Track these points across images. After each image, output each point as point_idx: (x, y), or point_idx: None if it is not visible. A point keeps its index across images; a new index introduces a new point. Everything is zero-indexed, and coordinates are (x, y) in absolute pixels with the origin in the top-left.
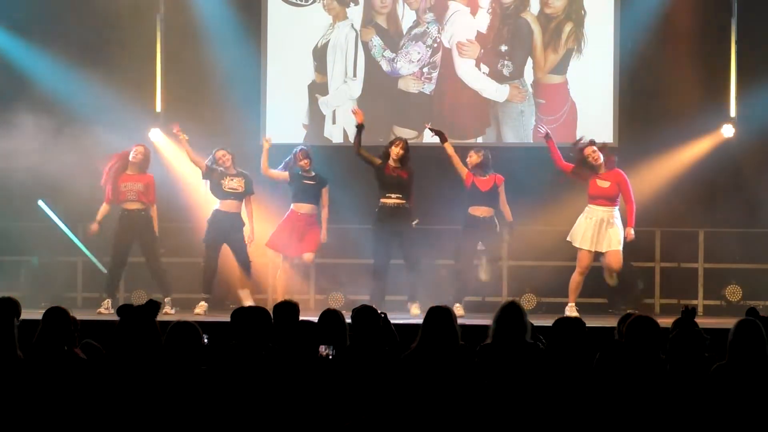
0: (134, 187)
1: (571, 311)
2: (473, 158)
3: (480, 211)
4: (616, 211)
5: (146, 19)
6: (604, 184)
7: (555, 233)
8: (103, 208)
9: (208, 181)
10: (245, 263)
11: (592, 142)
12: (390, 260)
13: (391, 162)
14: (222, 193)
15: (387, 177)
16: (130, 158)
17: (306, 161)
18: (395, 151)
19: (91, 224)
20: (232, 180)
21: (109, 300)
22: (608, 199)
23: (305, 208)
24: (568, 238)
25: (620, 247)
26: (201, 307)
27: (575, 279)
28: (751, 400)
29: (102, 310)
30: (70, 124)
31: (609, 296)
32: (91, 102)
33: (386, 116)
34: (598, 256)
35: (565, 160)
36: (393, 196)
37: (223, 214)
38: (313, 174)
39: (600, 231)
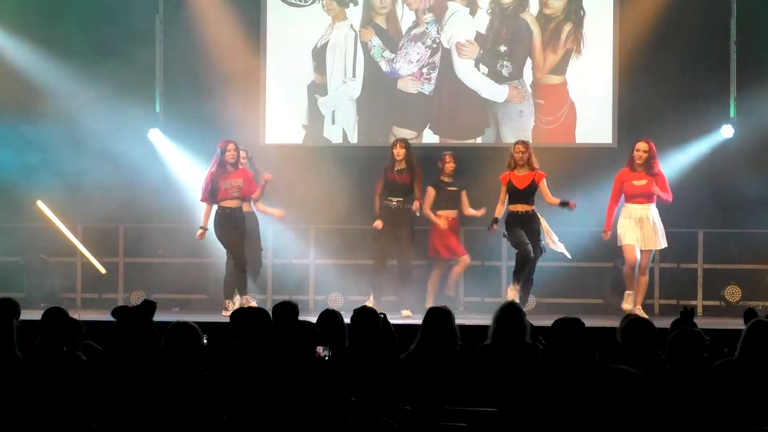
0: (235, 184)
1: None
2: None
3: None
4: (653, 208)
5: (146, 20)
6: (640, 182)
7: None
8: (206, 211)
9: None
10: (244, 265)
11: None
12: (388, 260)
13: (396, 165)
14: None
15: (389, 181)
16: (226, 158)
17: (452, 165)
18: (397, 151)
19: (198, 232)
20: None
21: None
22: (646, 197)
23: (452, 214)
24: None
25: (656, 247)
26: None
27: (627, 274)
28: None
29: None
30: (69, 123)
31: (607, 296)
32: (90, 102)
33: (385, 117)
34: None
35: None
36: (394, 199)
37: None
38: (454, 179)
39: (643, 228)
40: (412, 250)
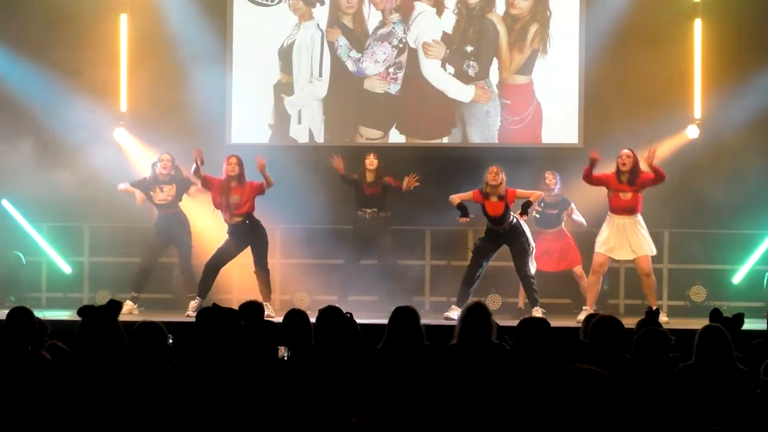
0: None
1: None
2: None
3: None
4: (639, 217)
5: (111, 19)
6: (626, 195)
7: None
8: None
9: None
10: (188, 270)
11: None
12: (359, 263)
13: (367, 177)
14: (155, 205)
15: (363, 196)
16: (228, 172)
17: (553, 180)
18: (370, 160)
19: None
20: (162, 190)
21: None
22: (629, 211)
23: (550, 233)
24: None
25: (648, 253)
26: (127, 305)
27: (590, 281)
28: (717, 399)
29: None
30: (33, 123)
31: (574, 297)
32: (54, 101)
33: (352, 116)
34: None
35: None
36: (369, 210)
37: (164, 218)
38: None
39: (628, 235)
40: (395, 251)
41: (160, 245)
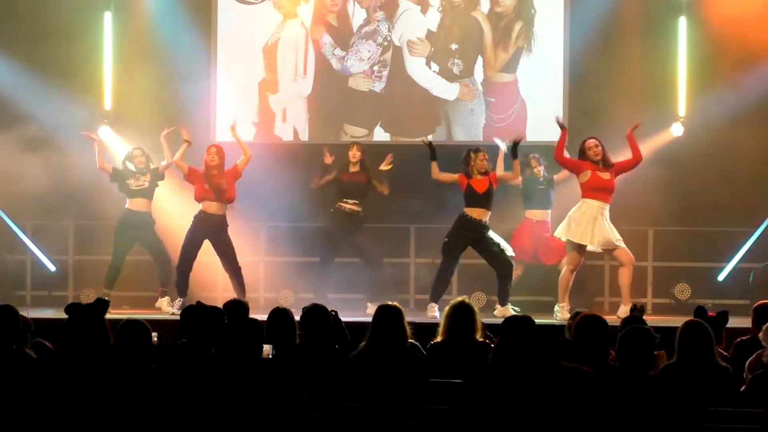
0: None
1: (562, 312)
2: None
3: (475, 212)
4: (607, 209)
5: (95, 16)
6: (606, 175)
7: (503, 231)
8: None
9: (116, 183)
10: (164, 265)
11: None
12: (334, 259)
13: (350, 167)
14: (130, 192)
15: (343, 183)
16: (208, 162)
17: (540, 167)
18: (353, 153)
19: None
20: (138, 179)
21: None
22: (608, 192)
23: (540, 215)
24: (558, 234)
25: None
26: (165, 303)
27: (564, 278)
28: (699, 396)
29: (167, 308)
30: (17, 120)
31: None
32: (39, 99)
33: (336, 114)
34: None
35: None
36: (350, 201)
37: (132, 214)
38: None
39: (597, 226)
40: (372, 248)
41: (128, 244)
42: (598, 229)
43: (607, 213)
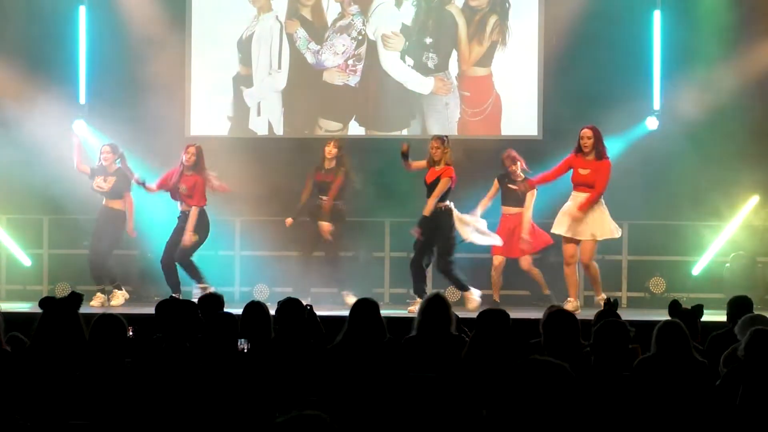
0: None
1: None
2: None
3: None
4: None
5: (70, 10)
6: (585, 171)
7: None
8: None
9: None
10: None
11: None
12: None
13: (325, 164)
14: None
15: (317, 182)
16: (185, 161)
17: (515, 166)
18: (329, 149)
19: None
20: (100, 181)
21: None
22: (588, 186)
23: (512, 212)
24: (553, 230)
25: (595, 239)
26: (98, 299)
27: (566, 272)
28: (676, 391)
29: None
30: None
31: (533, 288)
32: (13, 92)
33: (311, 109)
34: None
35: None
36: (324, 198)
37: (102, 208)
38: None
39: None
40: (339, 242)
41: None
42: (580, 219)
43: (598, 205)
